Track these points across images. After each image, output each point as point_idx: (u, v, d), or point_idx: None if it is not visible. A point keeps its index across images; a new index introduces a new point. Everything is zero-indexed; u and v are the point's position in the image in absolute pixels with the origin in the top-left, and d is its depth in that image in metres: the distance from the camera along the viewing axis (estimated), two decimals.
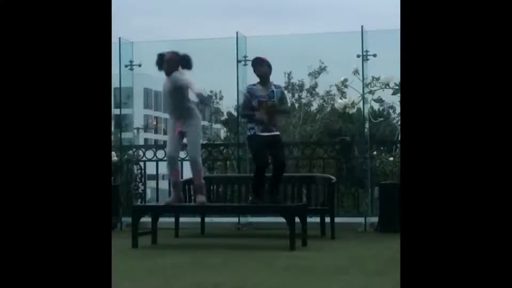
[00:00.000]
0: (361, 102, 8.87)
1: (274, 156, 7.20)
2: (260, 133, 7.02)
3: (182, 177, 8.78)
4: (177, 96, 7.16)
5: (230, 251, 6.80)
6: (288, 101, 7.37)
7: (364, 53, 8.90)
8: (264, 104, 7.01)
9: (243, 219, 9.17)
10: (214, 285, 4.77)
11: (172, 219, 8.32)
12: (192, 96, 7.17)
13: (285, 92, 7.33)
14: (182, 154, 8.32)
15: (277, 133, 7.19)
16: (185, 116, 7.16)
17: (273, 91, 7.07)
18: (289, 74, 21.62)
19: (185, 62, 7.20)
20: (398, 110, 16.78)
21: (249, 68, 9.30)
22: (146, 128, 56.22)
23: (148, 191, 11.97)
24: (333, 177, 8.21)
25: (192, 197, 8.43)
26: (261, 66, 7.09)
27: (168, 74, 7.19)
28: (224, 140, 24.59)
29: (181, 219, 8.38)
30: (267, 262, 5.89)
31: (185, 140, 7.40)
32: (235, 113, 15.36)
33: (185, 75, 7.15)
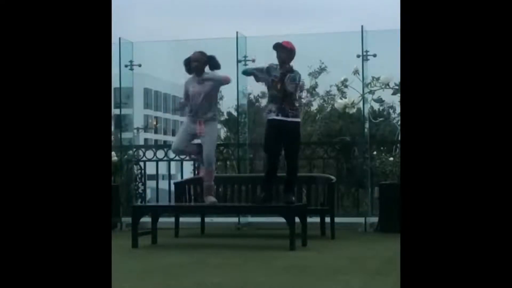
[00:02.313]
0: (361, 102, 8.87)
1: (285, 150, 7.09)
2: (274, 117, 6.94)
3: (182, 177, 8.80)
4: (213, 95, 7.17)
5: (230, 251, 6.81)
6: (297, 86, 7.17)
7: (364, 53, 8.90)
8: (274, 83, 6.96)
9: (243, 219, 9.17)
10: (214, 285, 4.78)
11: (172, 219, 8.32)
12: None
13: (298, 78, 7.20)
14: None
15: (294, 119, 7.00)
16: (211, 118, 7.15)
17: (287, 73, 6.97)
18: None
19: (213, 62, 7.22)
20: (398, 110, 16.78)
21: None
22: (146, 128, 56.23)
23: (148, 191, 11.98)
24: (333, 177, 8.21)
25: (193, 197, 8.44)
26: (280, 52, 7.01)
27: (200, 73, 7.18)
28: (224, 140, 24.59)
29: (181, 219, 8.38)
30: (267, 262, 5.89)
31: (197, 141, 7.38)
32: (235, 113, 15.35)
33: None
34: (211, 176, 7.27)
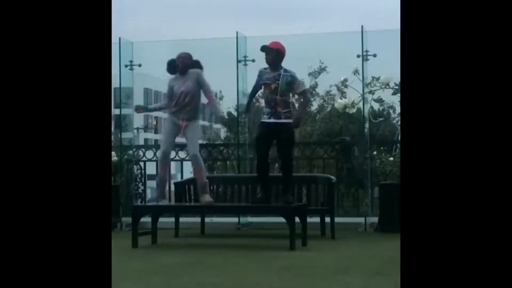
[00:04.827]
0: (361, 102, 8.87)
1: (278, 150, 7.15)
2: (265, 120, 7.02)
3: (182, 177, 8.79)
4: (195, 94, 7.24)
5: (230, 251, 6.81)
6: (303, 87, 7.27)
7: (364, 53, 8.89)
8: (267, 86, 7.00)
9: (243, 219, 9.17)
10: (214, 285, 4.78)
11: (172, 219, 8.32)
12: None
13: (299, 78, 7.22)
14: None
15: (286, 121, 6.98)
16: (194, 117, 7.21)
17: (279, 74, 6.98)
18: None
19: (198, 65, 7.38)
20: (398, 110, 16.79)
21: (249, 68, 9.35)
22: (146, 128, 56.22)
23: (148, 191, 11.97)
24: (333, 177, 8.21)
25: (193, 197, 8.43)
26: (267, 54, 7.05)
27: (183, 72, 7.27)
28: (224, 140, 24.59)
29: (181, 219, 8.38)
30: (267, 262, 5.89)
31: (180, 139, 7.45)
32: (235, 113, 15.36)
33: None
34: (202, 174, 7.31)
